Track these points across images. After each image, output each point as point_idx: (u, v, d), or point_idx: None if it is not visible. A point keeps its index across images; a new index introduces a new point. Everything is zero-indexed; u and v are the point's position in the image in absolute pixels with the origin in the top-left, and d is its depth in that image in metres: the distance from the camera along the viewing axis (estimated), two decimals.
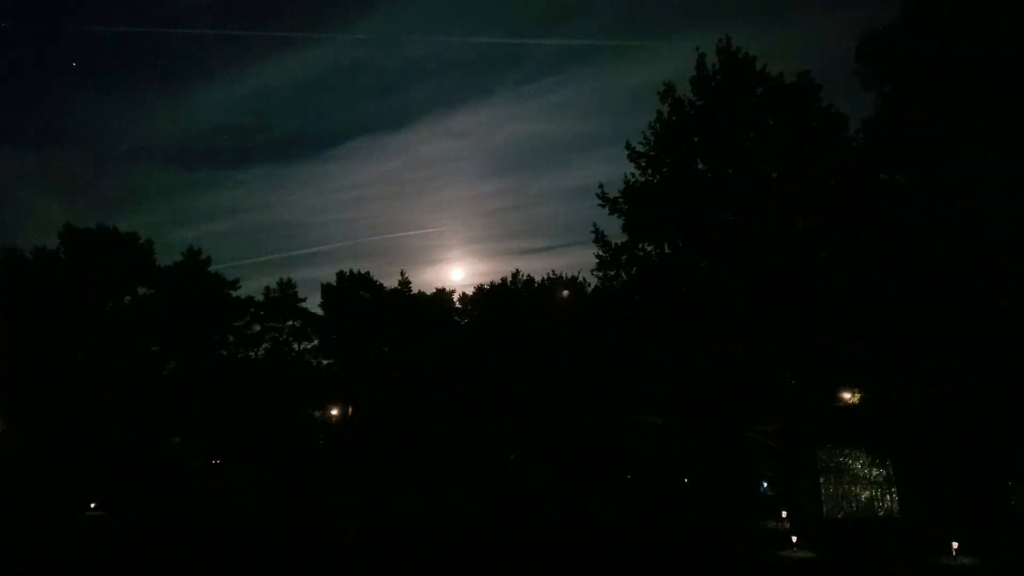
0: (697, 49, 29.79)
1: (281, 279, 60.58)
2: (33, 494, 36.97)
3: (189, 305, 51.49)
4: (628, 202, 30.58)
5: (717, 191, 28.92)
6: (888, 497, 24.92)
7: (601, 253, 31.30)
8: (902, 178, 25.59)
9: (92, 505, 35.69)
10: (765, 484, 32.77)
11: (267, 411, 50.56)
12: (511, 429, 43.51)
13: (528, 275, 57.79)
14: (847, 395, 35.08)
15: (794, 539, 21.05)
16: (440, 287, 62.26)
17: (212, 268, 55.64)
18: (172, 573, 20.37)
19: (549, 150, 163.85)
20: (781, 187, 28.06)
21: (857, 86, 24.35)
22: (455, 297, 61.67)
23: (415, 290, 61.04)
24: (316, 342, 59.93)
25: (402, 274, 61.04)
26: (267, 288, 60.07)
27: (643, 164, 30.63)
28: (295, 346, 60.06)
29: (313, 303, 60.66)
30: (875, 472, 25.18)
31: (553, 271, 59.40)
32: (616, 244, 31.06)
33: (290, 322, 59.80)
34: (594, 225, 31.44)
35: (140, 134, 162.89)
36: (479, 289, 59.82)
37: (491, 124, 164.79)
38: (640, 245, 30.60)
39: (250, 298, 57.97)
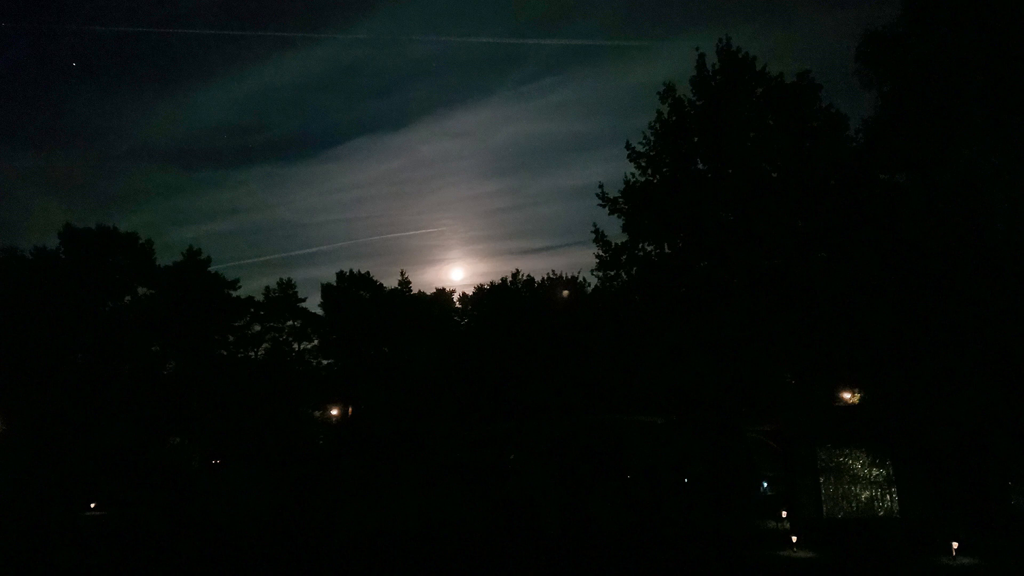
0: (697, 49, 29.90)
1: (281, 279, 60.78)
2: (33, 494, 36.96)
3: (189, 305, 51.54)
4: (628, 202, 30.60)
5: (717, 191, 28.93)
6: (888, 497, 24.89)
7: (601, 253, 31.34)
8: (902, 178, 25.59)
9: (92, 505, 35.67)
10: (765, 484, 32.76)
11: (267, 411, 50.59)
12: (511, 429, 43.50)
13: (528, 275, 58.02)
14: (847, 395, 35.10)
15: (794, 539, 21.03)
16: (440, 287, 62.52)
17: (212, 268, 55.81)
18: (172, 573, 20.36)
19: (549, 150, 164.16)
20: (781, 187, 28.07)
21: (857, 86, 24.36)
22: (455, 297, 61.83)
23: (415, 290, 61.27)
24: (316, 342, 60.01)
25: (402, 274, 61.31)
26: (267, 288, 60.29)
27: (643, 164, 30.65)
28: (295, 346, 60.15)
29: (313, 303, 60.90)
30: (875, 472, 25.15)
31: (553, 271, 59.64)
32: (616, 244, 31.12)
33: (290, 322, 59.90)
34: (594, 225, 31.57)
35: (140, 134, 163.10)
36: (479, 289, 59.94)
37: (491, 124, 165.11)
38: (640, 245, 30.62)
39: (250, 298, 58.14)
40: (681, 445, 32.94)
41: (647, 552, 21.74)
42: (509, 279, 58.07)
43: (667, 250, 30.52)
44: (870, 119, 24.92)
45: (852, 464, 25.37)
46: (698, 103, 29.87)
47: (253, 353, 58.43)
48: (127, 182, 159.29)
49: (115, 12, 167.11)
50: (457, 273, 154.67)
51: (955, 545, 19.27)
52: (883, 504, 24.91)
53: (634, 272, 31.04)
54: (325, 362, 60.00)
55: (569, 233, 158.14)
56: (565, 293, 53.80)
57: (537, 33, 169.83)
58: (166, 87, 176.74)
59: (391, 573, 19.70)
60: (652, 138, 30.39)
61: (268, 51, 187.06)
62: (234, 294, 56.57)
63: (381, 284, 60.63)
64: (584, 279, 54.11)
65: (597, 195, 31.06)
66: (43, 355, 44.57)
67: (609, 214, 31.03)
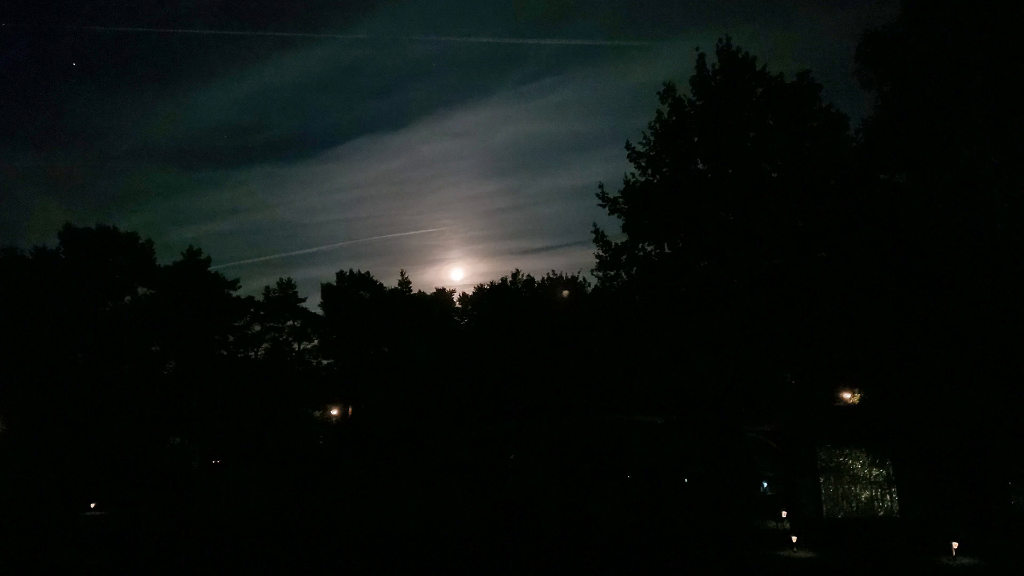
0: (697, 49, 29.89)
1: (281, 279, 60.77)
2: (33, 494, 36.96)
3: (189, 305, 51.53)
4: (628, 202, 30.60)
5: (717, 191, 28.92)
6: (888, 497, 24.89)
7: (601, 253, 31.33)
8: (902, 178, 25.59)
9: (92, 505, 35.67)
10: (765, 484, 32.76)
11: (267, 411, 50.58)
12: (511, 429, 43.49)
13: (528, 275, 58.01)
14: (847, 395, 35.10)
15: (794, 539, 21.02)
16: (440, 287, 62.52)
17: (212, 268, 55.80)
18: (172, 573, 20.36)
19: (549, 150, 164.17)
20: (781, 187, 28.06)
21: (857, 86, 24.36)
22: (455, 297, 61.83)
23: (415, 290, 61.28)
24: (316, 342, 60.00)
25: (402, 274, 61.31)
26: (267, 288, 60.28)
27: (643, 164, 30.65)
28: (295, 346, 60.14)
29: (313, 303, 60.90)
30: (875, 472, 25.15)
31: (553, 271, 59.63)
32: (616, 244, 31.12)
33: (290, 322, 59.89)
34: (594, 225, 31.57)
35: (140, 134, 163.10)
36: (479, 289, 59.94)
37: (491, 124, 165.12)
38: (640, 245, 30.62)
39: (250, 298, 58.13)
40: (681, 445, 32.93)
41: (647, 552, 21.74)
42: (509, 279, 58.10)
43: (667, 250, 30.51)
44: (870, 119, 24.93)
45: (852, 464, 25.36)
46: (698, 103, 29.86)
47: (253, 353, 58.44)
48: (127, 182, 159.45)
49: (115, 12, 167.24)
50: (457, 273, 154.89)
51: (955, 545, 19.26)
52: (883, 504, 24.91)
53: (634, 272, 31.03)
54: (325, 362, 60.03)
55: (569, 233, 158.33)
56: (565, 293, 53.80)
57: (537, 33, 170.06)
58: (166, 87, 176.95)
59: (391, 573, 19.70)
60: (652, 138, 30.39)
61: (268, 51, 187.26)
62: (234, 294, 56.60)
63: (381, 284, 60.71)
64: (584, 279, 54.19)
65: (597, 195, 31.10)
66: (43, 355, 44.56)
67: (609, 214, 31.08)
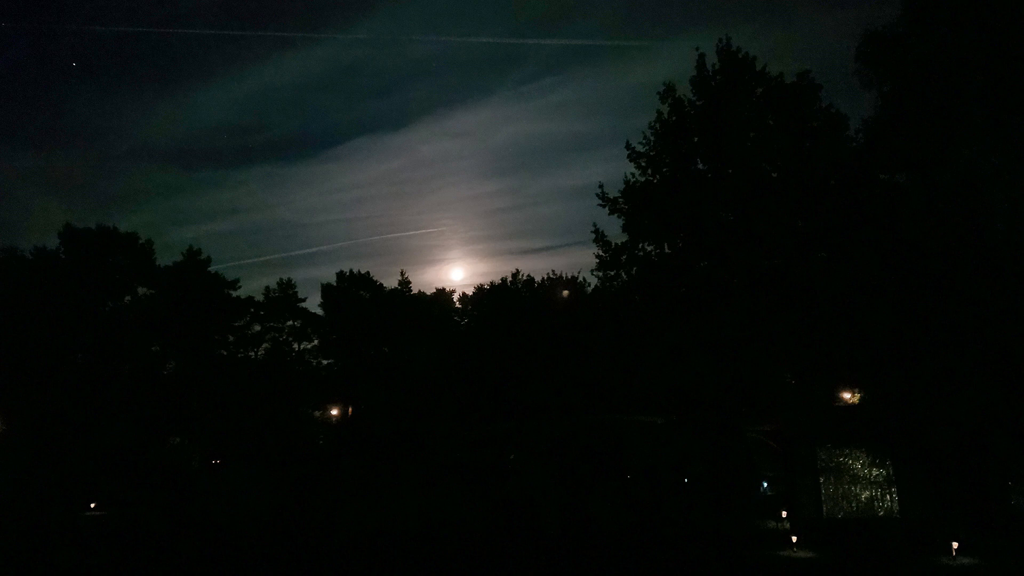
0: (697, 49, 29.90)
1: (281, 279, 60.78)
2: (33, 494, 36.96)
3: (189, 305, 51.54)
4: (628, 202, 30.61)
5: (717, 191, 28.92)
6: (888, 497, 24.90)
7: (601, 253, 31.34)
8: (902, 178, 25.59)
9: (92, 505, 35.67)
10: (765, 484, 32.76)
11: (267, 411, 50.58)
12: (511, 429, 43.50)
13: (528, 275, 58.01)
14: (847, 395, 35.10)
15: (794, 539, 21.03)
16: (440, 287, 62.53)
17: (212, 268, 55.80)
18: (172, 573, 20.36)
19: (549, 150, 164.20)
20: (781, 187, 28.07)
21: (857, 86, 24.37)
22: (455, 297, 61.84)
23: (415, 290, 61.29)
24: (316, 342, 60.01)
25: (402, 274, 61.33)
26: (267, 288, 60.28)
27: (643, 164, 30.65)
28: (295, 346, 60.14)
29: (313, 303, 60.90)
30: (875, 472, 25.16)
31: (553, 271, 59.64)
32: (616, 244, 31.13)
33: (290, 322, 59.89)
34: (594, 225, 31.58)
35: (140, 134, 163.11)
36: (479, 289, 59.94)
37: (491, 124, 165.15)
38: (640, 245, 30.62)
39: (250, 298, 58.14)
40: (681, 445, 32.93)
41: (647, 552, 21.74)
42: (509, 279, 58.11)
43: (667, 250, 30.51)
44: (870, 119, 24.93)
45: (852, 464, 25.37)
46: (698, 103, 29.86)
47: (253, 353, 58.44)
48: (127, 182, 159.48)
49: (115, 12, 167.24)
50: (457, 273, 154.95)
51: (955, 545, 19.26)
52: (883, 504, 24.91)
53: (634, 272, 31.04)
54: (325, 362, 60.04)
55: (569, 233, 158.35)
56: (565, 293, 53.81)
57: (537, 33, 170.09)
58: (166, 87, 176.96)
59: (391, 573, 19.70)
60: (652, 138, 30.39)
61: (268, 51, 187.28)
62: (234, 294, 56.61)
63: (381, 284, 60.72)
64: (584, 279, 54.20)
65: (597, 195, 31.10)
66: (43, 355, 44.56)
67: (609, 214, 31.09)
